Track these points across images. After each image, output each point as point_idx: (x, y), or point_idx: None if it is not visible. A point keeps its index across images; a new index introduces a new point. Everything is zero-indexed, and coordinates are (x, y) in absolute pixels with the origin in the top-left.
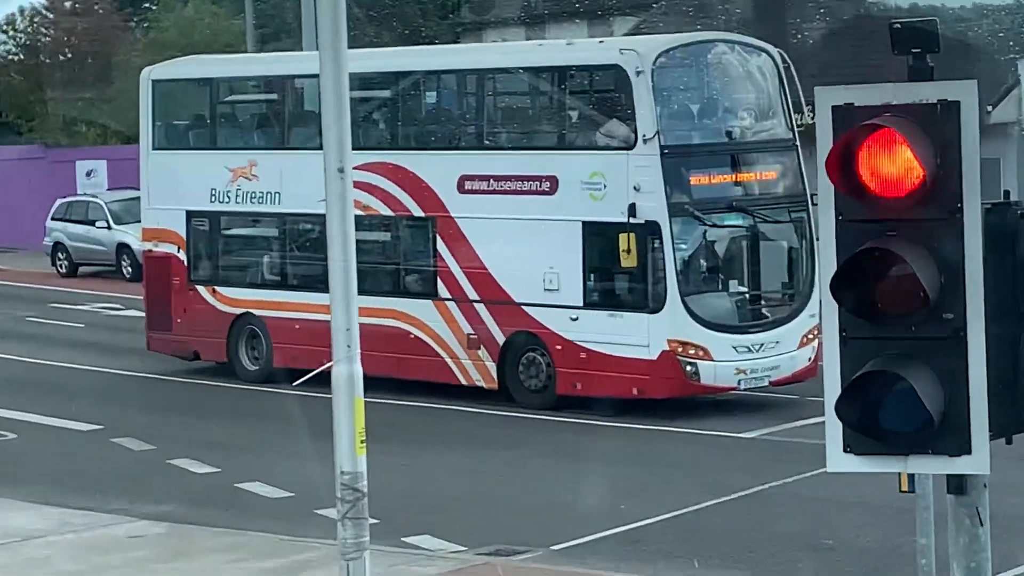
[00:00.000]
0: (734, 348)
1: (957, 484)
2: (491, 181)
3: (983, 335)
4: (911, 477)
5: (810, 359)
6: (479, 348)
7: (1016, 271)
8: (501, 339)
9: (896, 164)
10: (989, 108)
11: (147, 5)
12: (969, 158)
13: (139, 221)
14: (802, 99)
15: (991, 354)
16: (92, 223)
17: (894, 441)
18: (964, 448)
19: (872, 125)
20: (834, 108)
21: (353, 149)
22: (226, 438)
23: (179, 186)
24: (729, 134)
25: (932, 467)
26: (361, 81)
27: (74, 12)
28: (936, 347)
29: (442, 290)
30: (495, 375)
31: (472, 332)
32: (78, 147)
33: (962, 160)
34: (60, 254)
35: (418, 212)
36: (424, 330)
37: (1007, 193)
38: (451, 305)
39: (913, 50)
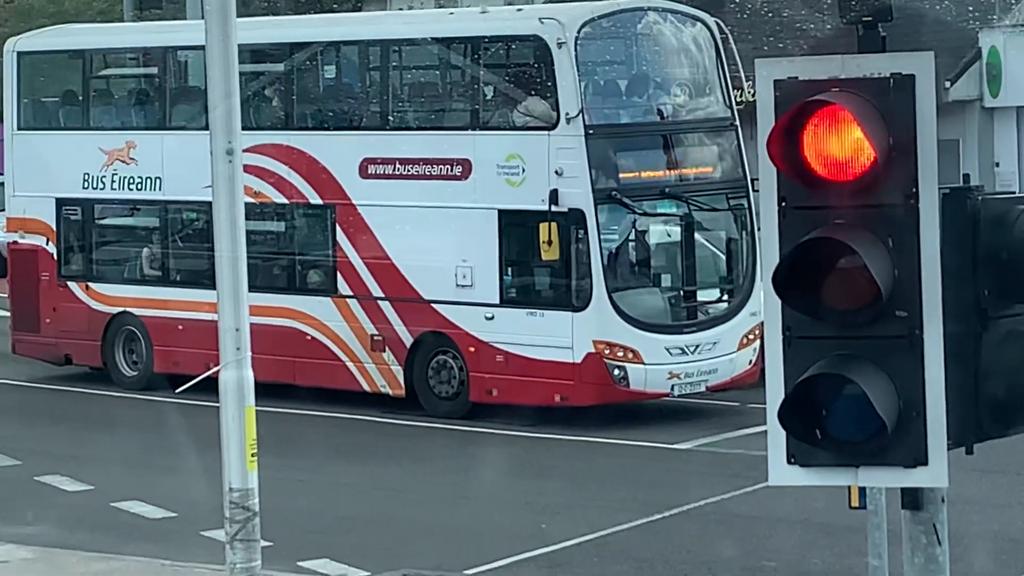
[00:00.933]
0: (667, 350)
1: (912, 499)
2: (397, 165)
3: (941, 334)
4: (862, 491)
5: (751, 362)
6: (384, 351)
7: (976, 263)
8: (408, 340)
9: (845, 144)
10: (947, 83)
11: None
12: (925, 138)
13: (3, 209)
14: (742, 73)
15: (949, 355)
16: None
17: (843, 451)
18: (920, 459)
19: (818, 101)
20: (776, 83)
21: (243, 129)
22: (101, 452)
23: (48, 171)
24: (661, 112)
25: (885, 480)
26: (252, 53)
27: None
28: (889, 347)
29: (342, 286)
30: (402, 380)
31: (376, 333)
32: None
33: (917, 140)
34: None
35: (316, 199)
36: (322, 331)
37: (967, 177)
38: (352, 303)
39: (864, 19)
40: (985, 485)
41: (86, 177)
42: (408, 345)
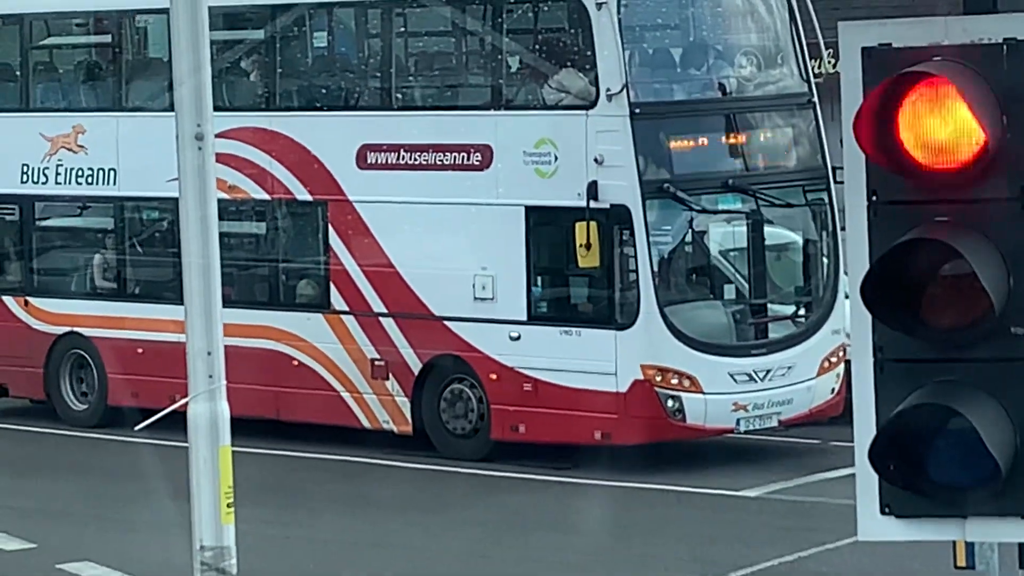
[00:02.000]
0: (731, 376)
1: None
2: (402, 152)
3: None
4: (970, 547)
5: (834, 390)
6: (387, 379)
7: None
8: (417, 366)
9: (949, 126)
10: None
11: None
12: None
13: None
14: (821, 40)
15: None
16: None
17: (948, 499)
18: None
19: (916, 73)
20: (865, 51)
21: (215, 110)
22: (44, 503)
23: None
24: (723, 87)
25: (999, 533)
26: (225, 17)
27: None
28: (1004, 372)
29: (336, 300)
30: (409, 415)
31: (377, 357)
32: None
33: None
34: None
35: (303, 195)
36: (313, 355)
37: None
38: (349, 320)
39: None
40: None
41: (25, 169)
42: (416, 372)
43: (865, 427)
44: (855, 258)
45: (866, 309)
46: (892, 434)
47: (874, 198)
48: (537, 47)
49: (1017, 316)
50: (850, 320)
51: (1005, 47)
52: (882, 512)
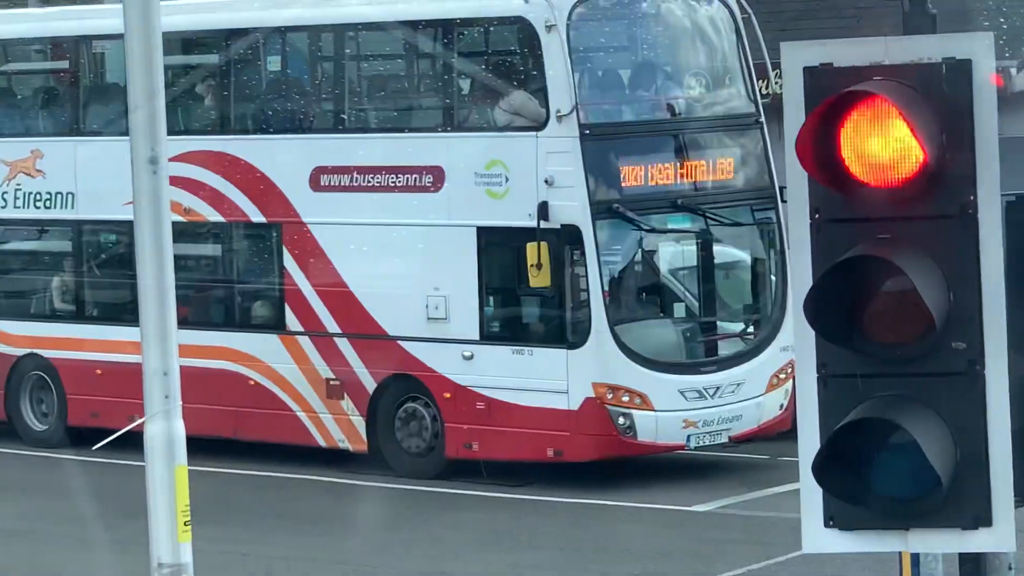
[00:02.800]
0: (681, 393)
1: (974, 566)
2: (355, 175)
3: (1006, 370)
4: (915, 558)
5: (782, 406)
6: (342, 398)
7: None
8: (371, 385)
9: (889, 144)
10: (1013, 70)
11: None
12: (985, 136)
13: None
14: (767, 60)
15: (1016, 394)
16: None
17: (891, 511)
18: (982, 519)
19: (857, 92)
20: (807, 70)
21: (170, 134)
22: (6, 522)
23: None
24: (671, 108)
25: (941, 544)
26: (181, 43)
27: None
28: (945, 386)
29: (291, 321)
30: (364, 434)
31: (332, 377)
32: None
33: (976, 138)
34: None
35: (258, 217)
36: (268, 375)
37: None
38: (304, 341)
39: None
40: None
41: None
42: (371, 391)
43: (809, 441)
44: (798, 275)
45: (809, 326)
46: (835, 448)
47: (816, 216)
48: (488, 69)
49: (958, 331)
50: (794, 336)
51: (944, 66)
52: (826, 525)
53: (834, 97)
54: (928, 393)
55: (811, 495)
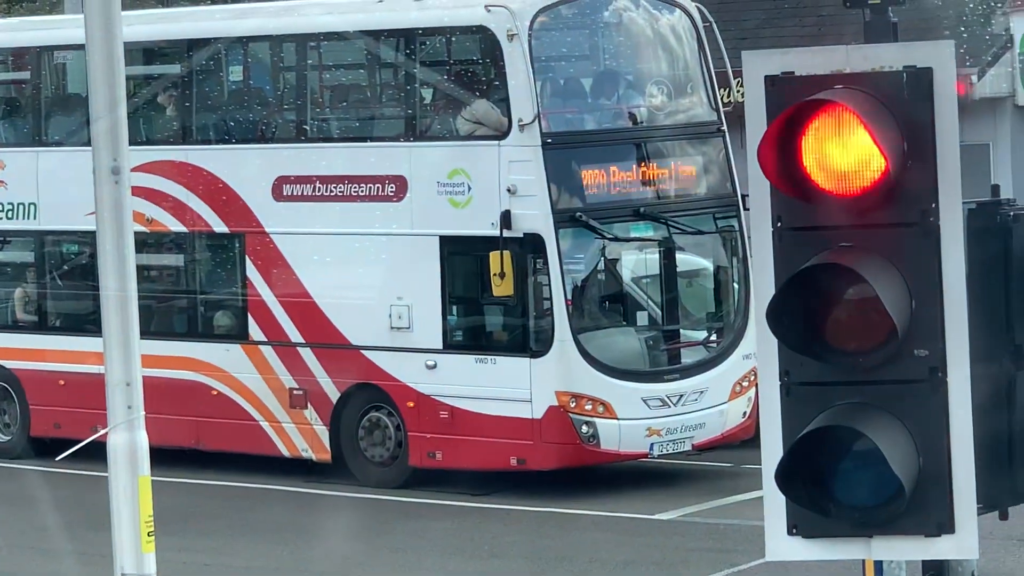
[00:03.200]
0: (644, 402)
1: (936, 573)
2: (317, 184)
3: (968, 376)
4: (878, 565)
5: (745, 414)
6: (305, 407)
7: (1009, 291)
8: (335, 395)
9: (851, 152)
10: (973, 78)
11: None
12: (946, 143)
13: None
14: (729, 68)
15: (978, 401)
16: None
17: (854, 519)
18: (945, 526)
19: (818, 101)
20: (768, 79)
21: (132, 144)
22: None
23: None
24: (633, 117)
25: (904, 552)
26: (142, 53)
27: None
28: (907, 393)
29: (254, 331)
30: (327, 443)
31: (296, 386)
32: None
33: (937, 145)
34: None
35: (220, 227)
36: (231, 384)
37: (995, 188)
38: (267, 351)
39: (870, 1)
40: None
41: None
42: (334, 401)
43: (772, 449)
44: (761, 283)
45: (772, 333)
46: (798, 456)
47: (779, 224)
48: (450, 79)
49: (920, 339)
50: (757, 344)
51: (905, 75)
52: (790, 532)
53: (795, 106)
54: (891, 401)
55: (774, 503)
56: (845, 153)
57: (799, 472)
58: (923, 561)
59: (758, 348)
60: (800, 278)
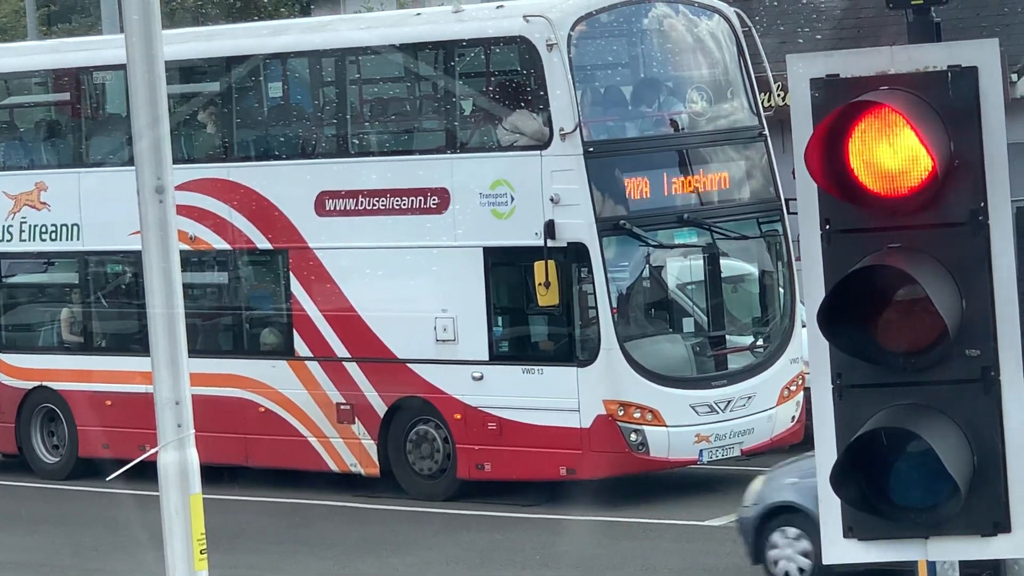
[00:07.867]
0: (693, 408)
1: (994, 572)
2: (360, 198)
3: (1022, 375)
4: (932, 566)
5: (794, 418)
6: (353, 422)
7: None
8: (382, 409)
9: (898, 153)
10: (1014, 76)
11: None
12: (993, 142)
13: None
14: (769, 73)
15: None
16: None
17: (909, 520)
18: (1001, 525)
19: (864, 103)
20: (813, 82)
21: (175, 163)
22: (24, 555)
23: None
24: (675, 123)
25: (960, 552)
26: (182, 71)
27: None
28: (960, 393)
29: (300, 347)
30: (376, 457)
31: (343, 401)
32: None
33: (984, 145)
34: None
35: (264, 243)
36: (278, 401)
37: None
38: (313, 366)
39: (913, 1)
40: None
41: None
42: (382, 415)
43: (826, 453)
44: (811, 286)
45: (823, 336)
46: (853, 458)
47: (827, 226)
48: (490, 90)
49: (971, 339)
50: (808, 348)
51: (950, 74)
52: (845, 535)
53: (841, 108)
54: (944, 401)
55: (829, 506)
56: (892, 154)
57: (854, 474)
58: (979, 562)
59: (810, 351)
60: (850, 280)
